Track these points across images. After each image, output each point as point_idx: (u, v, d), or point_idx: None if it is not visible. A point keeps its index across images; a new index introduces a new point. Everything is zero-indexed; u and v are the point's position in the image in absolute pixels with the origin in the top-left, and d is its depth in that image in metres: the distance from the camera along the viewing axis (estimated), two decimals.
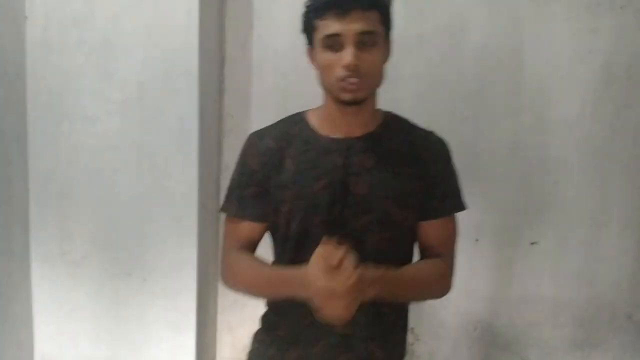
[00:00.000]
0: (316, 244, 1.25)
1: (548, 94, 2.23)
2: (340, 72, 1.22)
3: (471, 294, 2.38)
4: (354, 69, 1.21)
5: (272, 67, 2.25)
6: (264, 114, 2.19)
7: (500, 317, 2.39)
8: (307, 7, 1.28)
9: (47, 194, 2.14)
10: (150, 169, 2.09)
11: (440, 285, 1.39)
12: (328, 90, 1.28)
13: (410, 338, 2.44)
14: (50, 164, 2.12)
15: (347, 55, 1.20)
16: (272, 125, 1.40)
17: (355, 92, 1.23)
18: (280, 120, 1.42)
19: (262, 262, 1.35)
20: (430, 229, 1.37)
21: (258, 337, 1.45)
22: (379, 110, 1.39)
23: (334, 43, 1.22)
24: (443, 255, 1.39)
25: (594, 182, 2.26)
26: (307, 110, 1.41)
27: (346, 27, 1.20)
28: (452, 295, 2.36)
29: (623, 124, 2.22)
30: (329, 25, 1.21)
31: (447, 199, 1.38)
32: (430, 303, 2.40)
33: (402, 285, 1.28)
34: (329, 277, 1.13)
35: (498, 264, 2.35)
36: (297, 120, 1.38)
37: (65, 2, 2.03)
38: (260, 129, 1.41)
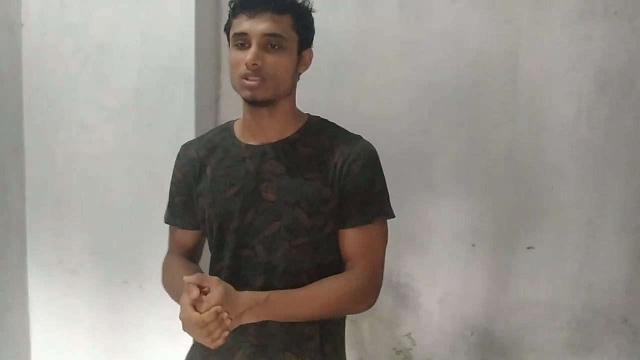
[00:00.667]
0: (230, 251, 1.31)
1: (543, 99, 2.24)
2: (243, 70, 1.24)
3: (468, 298, 2.39)
4: (254, 69, 1.22)
5: None
6: None
7: (497, 321, 2.39)
8: (229, 6, 1.30)
9: (44, 201, 2.13)
10: (147, 175, 2.09)
11: (351, 299, 1.30)
12: (234, 89, 1.30)
13: (407, 343, 2.45)
14: (46, 172, 2.12)
15: (249, 54, 1.22)
16: (202, 135, 1.46)
17: (254, 90, 1.24)
18: (212, 129, 1.47)
19: (180, 269, 1.37)
20: (347, 237, 1.32)
21: (190, 352, 1.48)
22: (301, 115, 1.38)
23: (243, 41, 1.24)
24: (360, 267, 1.31)
25: (589, 186, 2.27)
26: (235, 119, 1.43)
27: (253, 27, 1.23)
28: (449, 299, 2.39)
29: (617, 129, 2.23)
30: (239, 24, 1.25)
31: (365, 207, 1.31)
32: (426, 308, 2.42)
33: (294, 306, 1.26)
34: (188, 310, 1.19)
35: (494, 269, 2.35)
36: (223, 128, 1.42)
37: (61, 10, 2.03)
38: (191, 140, 1.47)
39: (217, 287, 1.17)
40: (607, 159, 2.26)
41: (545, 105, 2.25)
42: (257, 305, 1.22)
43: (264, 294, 1.23)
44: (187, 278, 1.19)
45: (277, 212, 1.29)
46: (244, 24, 1.24)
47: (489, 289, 2.37)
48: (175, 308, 2.12)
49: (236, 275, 1.30)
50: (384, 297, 2.42)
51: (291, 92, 1.33)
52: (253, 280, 1.28)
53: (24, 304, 2.17)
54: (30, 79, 2.08)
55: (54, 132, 2.10)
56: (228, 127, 1.41)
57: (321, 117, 1.41)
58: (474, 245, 2.34)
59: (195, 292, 1.18)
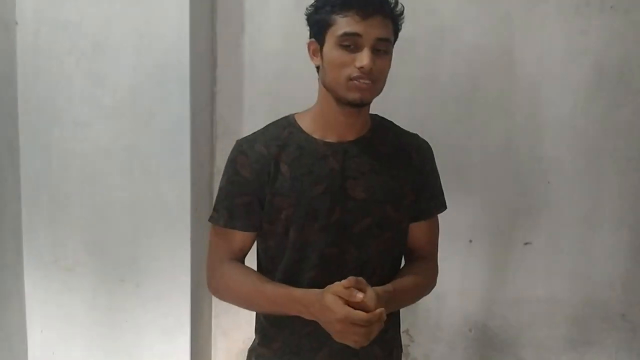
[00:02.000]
0: (316, 251, 1.28)
1: (540, 94, 2.24)
2: (353, 72, 1.22)
3: (466, 294, 2.38)
4: (368, 72, 1.21)
5: (264, 70, 2.24)
6: (255, 117, 2.19)
7: (495, 317, 2.39)
8: (321, 0, 1.26)
9: (39, 200, 2.12)
10: (143, 173, 2.08)
11: (431, 286, 1.44)
12: (332, 88, 1.26)
13: (405, 340, 2.45)
14: (42, 170, 2.11)
15: (365, 57, 1.20)
16: (260, 131, 1.38)
17: (364, 92, 1.24)
18: (268, 125, 1.39)
19: (260, 276, 1.33)
20: (419, 229, 1.41)
21: (256, 351, 1.42)
22: (369, 114, 1.40)
23: (350, 42, 1.21)
24: (430, 255, 1.44)
25: (587, 181, 2.27)
26: (294, 114, 1.39)
27: (367, 29, 1.20)
28: (447, 296, 2.38)
29: (614, 123, 2.23)
30: (351, 24, 1.21)
31: (433, 200, 1.43)
32: (424, 305, 2.41)
33: (404, 297, 1.32)
34: (350, 308, 1.14)
35: (492, 265, 2.35)
36: (285, 125, 1.36)
37: (55, 8, 2.02)
38: (248, 136, 1.38)
39: (370, 288, 1.18)
40: (604, 153, 2.26)
41: (542, 99, 2.25)
42: (390, 299, 1.24)
43: (390, 287, 1.26)
44: (345, 282, 1.16)
45: (367, 209, 1.31)
46: (356, 25, 1.20)
47: (486, 285, 2.37)
48: (172, 306, 2.13)
49: (325, 273, 1.28)
50: None
51: None
52: (340, 279, 1.22)
53: (20, 303, 2.16)
54: (25, 77, 2.06)
55: (49, 131, 2.08)
56: (291, 123, 1.36)
57: (376, 114, 1.43)
58: (471, 241, 2.34)
59: (359, 294, 1.16)
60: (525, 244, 2.32)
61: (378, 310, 1.15)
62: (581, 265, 2.31)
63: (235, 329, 2.40)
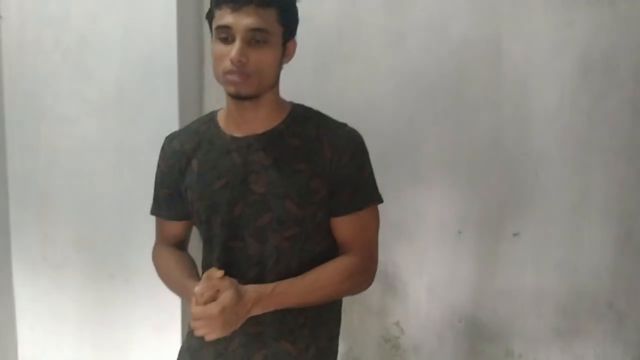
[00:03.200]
0: (219, 244, 1.32)
1: (527, 86, 2.24)
2: (227, 65, 1.21)
3: (455, 286, 2.40)
4: (239, 65, 1.20)
5: None
6: None
7: (484, 308, 2.40)
8: None
9: (27, 197, 2.11)
10: (131, 169, 2.07)
11: (352, 283, 1.36)
12: (218, 81, 1.28)
13: (395, 331, 2.46)
14: (29, 167, 2.10)
15: (233, 50, 1.20)
16: (186, 126, 1.45)
17: (238, 86, 1.23)
18: (196, 120, 1.45)
19: (177, 262, 1.42)
20: (342, 224, 1.36)
21: (187, 331, 1.48)
22: (285, 105, 1.37)
23: (226, 35, 1.21)
24: (357, 249, 1.37)
25: (574, 172, 2.28)
26: (218, 110, 1.42)
27: (237, 21, 1.19)
28: (436, 287, 2.40)
29: (602, 114, 2.24)
30: (223, 17, 1.21)
31: (357, 194, 1.35)
32: (414, 296, 2.43)
33: (299, 294, 1.29)
34: (200, 305, 1.20)
35: (481, 256, 2.36)
36: (207, 120, 1.41)
37: (41, 3, 2.01)
38: (174, 131, 1.47)
39: (228, 290, 1.20)
40: (591, 145, 2.26)
41: (529, 91, 2.25)
42: (264, 299, 1.24)
43: (269, 286, 1.26)
44: (197, 290, 1.22)
45: (267, 204, 1.29)
46: (227, 17, 1.20)
47: (476, 277, 2.39)
48: (162, 301, 2.13)
49: (227, 267, 1.30)
50: (372, 286, 2.42)
51: (275, 84, 1.32)
52: (245, 272, 1.30)
53: (9, 300, 2.16)
54: (11, 72, 2.05)
55: (36, 127, 2.08)
56: (212, 118, 1.40)
57: (304, 105, 1.40)
58: (460, 232, 2.35)
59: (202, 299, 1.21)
60: (514, 235, 2.33)
61: (199, 308, 1.20)
62: (569, 255, 2.32)
63: None
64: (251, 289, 1.23)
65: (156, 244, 1.51)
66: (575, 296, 2.36)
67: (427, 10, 2.21)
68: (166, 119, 2.02)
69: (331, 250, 1.38)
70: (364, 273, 1.38)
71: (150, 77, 2.01)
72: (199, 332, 1.21)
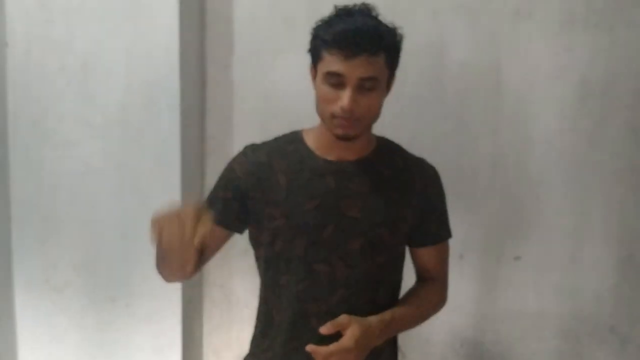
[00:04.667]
0: (304, 264, 1.29)
1: (527, 110, 2.26)
2: (336, 110, 1.22)
3: (457, 310, 2.39)
4: (349, 113, 1.21)
5: (254, 89, 2.26)
6: (246, 136, 2.18)
7: (486, 332, 2.39)
8: (317, 30, 1.27)
9: (29, 220, 2.12)
10: (133, 192, 2.08)
11: (438, 306, 1.47)
12: (321, 119, 1.29)
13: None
14: (32, 190, 2.11)
15: (345, 98, 1.20)
16: (269, 140, 1.41)
17: (347, 129, 1.24)
18: (278, 137, 1.42)
19: None
20: (428, 254, 1.42)
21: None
22: (372, 135, 1.40)
23: (337, 81, 1.21)
24: (438, 276, 1.46)
25: (575, 195, 2.29)
26: (303, 129, 1.41)
27: (350, 70, 1.19)
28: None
29: (601, 138, 2.25)
30: (334, 63, 1.20)
31: (442, 226, 1.43)
32: None
33: (406, 321, 1.35)
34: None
35: (483, 280, 2.36)
36: (293, 139, 1.38)
37: (45, 28, 2.03)
38: (258, 143, 1.41)
39: (354, 323, 1.22)
40: (591, 168, 2.27)
41: (529, 116, 2.27)
42: (386, 327, 1.27)
43: (387, 314, 1.29)
44: (323, 330, 1.23)
45: (360, 229, 1.30)
46: (339, 65, 1.19)
47: (477, 300, 2.38)
48: (163, 325, 2.12)
49: (309, 289, 1.30)
50: None
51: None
52: (329, 295, 1.29)
53: (11, 323, 2.15)
54: (15, 97, 2.07)
55: (39, 150, 2.09)
56: (298, 138, 1.38)
57: (385, 137, 1.43)
58: (462, 256, 2.35)
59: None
60: (515, 258, 2.33)
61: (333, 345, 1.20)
62: (570, 279, 2.32)
63: (227, 348, 2.40)
64: (374, 319, 1.26)
65: None
66: (576, 320, 2.35)
67: (427, 35, 2.23)
68: (168, 142, 2.04)
69: (401, 282, 1.44)
70: (443, 298, 1.49)
71: (153, 100, 2.02)
72: None
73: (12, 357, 2.16)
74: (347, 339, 1.19)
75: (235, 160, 1.39)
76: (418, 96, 2.26)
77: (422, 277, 1.46)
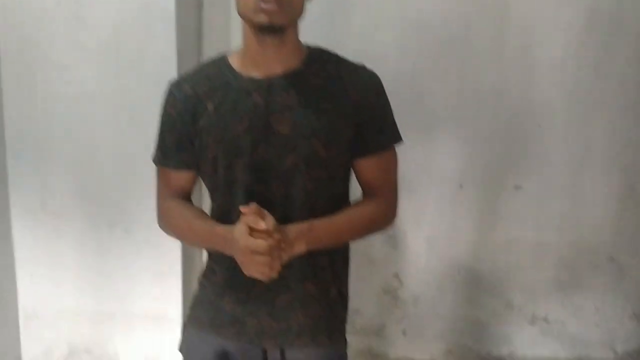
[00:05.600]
0: (242, 188, 1.27)
1: (532, 38, 2.21)
2: None
3: (455, 239, 2.40)
4: None
5: None
6: None
7: (484, 261, 2.41)
8: None
9: (24, 145, 2.09)
10: (129, 116, 2.04)
11: (378, 225, 1.38)
12: (243, 14, 1.22)
13: (394, 283, 2.47)
14: (25, 115, 2.06)
15: None
16: (192, 70, 1.37)
17: (272, 15, 1.18)
18: (202, 64, 1.38)
19: (194, 213, 1.35)
20: (367, 165, 1.34)
21: (199, 281, 1.44)
22: (302, 45, 1.33)
23: None
24: (380, 190, 1.36)
25: (578, 125, 2.26)
26: (229, 52, 1.36)
27: None
28: (436, 240, 2.40)
29: (606, 67, 2.21)
30: None
31: (382, 133, 1.34)
32: (414, 249, 2.43)
33: (335, 233, 1.29)
34: (251, 238, 1.16)
35: (482, 209, 2.36)
36: (218, 63, 1.34)
37: None
38: (180, 76, 1.39)
39: (270, 219, 1.17)
40: (595, 98, 2.24)
41: (535, 43, 2.21)
42: (303, 235, 1.22)
43: (306, 223, 1.24)
44: (245, 208, 1.18)
45: (293, 145, 1.26)
46: None
47: (476, 230, 2.38)
48: (163, 251, 2.12)
49: None
50: (371, 238, 2.42)
51: (300, 19, 1.26)
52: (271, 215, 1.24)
53: (9, 248, 2.15)
54: (4, 18, 2.00)
55: (31, 74, 2.03)
56: (222, 60, 1.34)
57: (319, 46, 1.36)
58: (461, 186, 2.34)
59: (261, 222, 1.16)
60: (516, 188, 2.32)
61: (276, 236, 1.17)
62: (571, 208, 2.32)
63: None
64: (290, 226, 1.22)
65: (162, 199, 1.40)
66: (576, 249, 2.37)
67: None
68: (164, 65, 1.98)
69: (347, 196, 1.39)
70: (389, 214, 1.39)
71: (148, 21, 1.95)
72: (253, 270, 1.18)
73: (11, 281, 2.17)
74: (269, 224, 1.17)
75: (166, 103, 1.35)
76: (421, 21, 2.20)
77: (367, 194, 1.38)
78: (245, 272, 1.20)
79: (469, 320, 2.47)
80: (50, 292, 2.20)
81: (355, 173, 1.36)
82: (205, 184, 1.38)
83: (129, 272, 2.16)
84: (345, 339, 1.42)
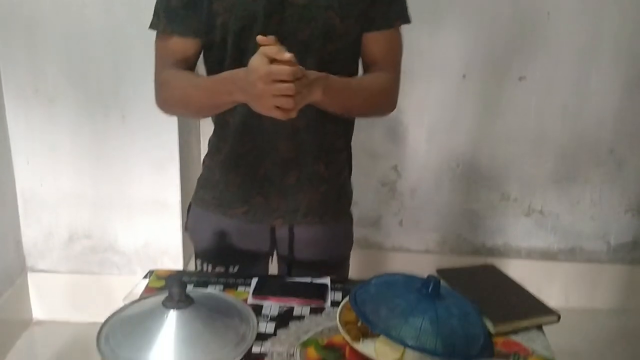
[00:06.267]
0: None
1: None
2: None
3: (455, 130, 2.37)
4: None
5: None
6: None
7: (484, 153, 2.40)
8: None
9: (14, 27, 2.01)
10: None
11: (384, 100, 1.32)
12: None
13: (392, 176, 2.47)
14: None
15: None
16: None
17: None
18: None
19: (196, 75, 1.26)
20: (374, 41, 1.29)
21: (204, 163, 1.41)
22: None
23: None
24: (387, 69, 1.31)
25: (587, 13, 2.19)
26: None
27: None
28: (436, 132, 2.37)
29: None
30: None
31: (391, 9, 1.28)
32: (413, 141, 2.41)
33: (346, 94, 1.22)
34: (273, 65, 1.03)
35: (484, 101, 2.32)
36: None
37: None
38: None
39: (288, 53, 1.05)
40: None
41: None
42: (321, 80, 1.12)
43: (324, 73, 1.15)
44: (263, 38, 1.04)
45: (309, 16, 1.20)
46: None
47: (477, 121, 2.36)
48: (160, 138, 2.10)
49: None
50: (371, 130, 2.40)
51: None
52: None
53: (3, 132, 2.12)
54: None
55: None
56: None
57: None
58: (464, 76, 2.29)
59: (284, 51, 1.03)
60: (520, 79, 2.27)
61: (299, 68, 1.05)
62: (574, 100, 2.29)
63: None
64: (309, 71, 1.10)
65: (161, 70, 1.28)
66: (576, 141, 2.35)
67: None
68: None
69: (356, 74, 1.32)
70: (393, 95, 1.33)
71: None
72: (272, 105, 1.06)
73: (7, 166, 2.16)
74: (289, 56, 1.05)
75: None
76: None
77: (371, 68, 1.32)
78: (263, 110, 1.08)
79: (465, 211, 2.49)
80: (48, 178, 2.19)
81: (363, 52, 1.30)
82: (209, 59, 1.29)
83: (126, 158, 2.15)
84: (351, 216, 1.42)
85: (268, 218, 1.33)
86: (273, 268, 1.43)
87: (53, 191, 2.21)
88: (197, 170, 2.30)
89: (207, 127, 2.37)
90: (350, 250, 1.46)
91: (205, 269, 1.41)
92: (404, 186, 2.49)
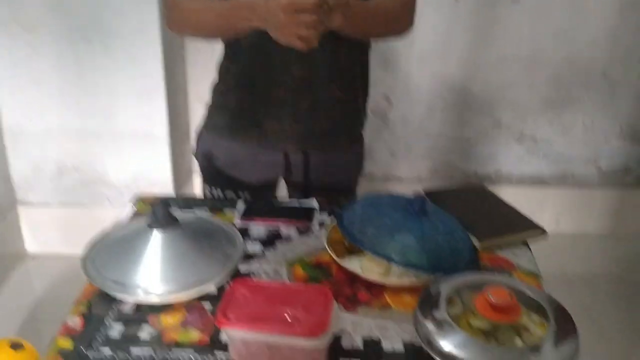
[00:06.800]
0: None
1: None
2: None
3: (447, 57, 2.33)
4: None
5: None
6: None
7: (476, 80, 2.37)
8: None
9: None
10: None
11: (403, 19, 1.29)
12: None
13: (383, 104, 2.44)
14: None
15: None
16: None
17: None
18: None
19: None
20: None
21: (214, 88, 1.37)
22: None
23: None
24: None
25: None
26: None
27: None
28: (428, 58, 2.33)
29: None
30: None
31: None
32: (405, 69, 2.37)
33: (366, 16, 1.19)
34: None
35: (477, 24, 2.27)
36: None
37: None
38: None
39: None
40: None
41: None
42: (342, 5, 1.08)
43: None
44: None
45: None
46: None
47: (470, 46, 2.31)
48: (145, 67, 2.06)
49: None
50: None
51: None
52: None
53: None
54: None
55: None
56: None
57: None
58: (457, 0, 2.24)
59: None
60: (513, 1, 2.21)
61: None
62: (568, 24, 2.24)
63: None
64: None
65: None
66: (569, 65, 2.32)
67: None
68: None
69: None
70: (410, 10, 1.28)
71: None
72: (293, 34, 1.03)
73: None
74: None
75: None
76: None
77: None
78: (283, 40, 1.06)
79: (457, 139, 2.47)
80: (34, 110, 2.16)
81: None
82: None
83: (111, 89, 2.11)
84: (363, 140, 1.44)
85: (282, 143, 1.32)
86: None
87: (39, 124, 2.18)
88: (184, 102, 2.27)
89: (192, 56, 2.33)
90: (360, 174, 1.48)
91: (215, 195, 1.40)
92: (395, 115, 2.46)
